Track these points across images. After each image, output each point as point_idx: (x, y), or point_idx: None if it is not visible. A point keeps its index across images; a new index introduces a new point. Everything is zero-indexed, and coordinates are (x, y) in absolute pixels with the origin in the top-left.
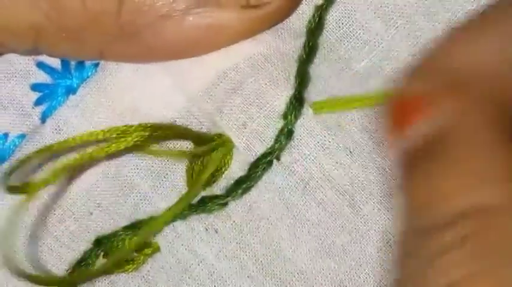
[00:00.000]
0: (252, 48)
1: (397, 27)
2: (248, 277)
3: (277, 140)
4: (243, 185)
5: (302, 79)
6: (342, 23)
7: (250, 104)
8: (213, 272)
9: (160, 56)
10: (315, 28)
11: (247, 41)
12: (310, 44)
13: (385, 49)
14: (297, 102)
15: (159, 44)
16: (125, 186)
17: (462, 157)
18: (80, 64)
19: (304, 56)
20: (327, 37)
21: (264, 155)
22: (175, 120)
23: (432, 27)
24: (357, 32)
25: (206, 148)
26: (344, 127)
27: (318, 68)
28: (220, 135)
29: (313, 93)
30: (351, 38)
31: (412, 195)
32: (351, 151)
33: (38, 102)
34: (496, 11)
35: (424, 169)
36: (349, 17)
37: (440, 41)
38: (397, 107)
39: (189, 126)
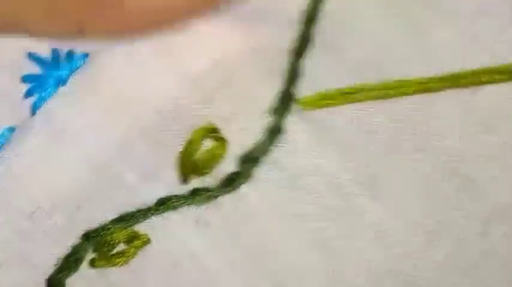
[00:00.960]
0: (245, 39)
1: (393, 16)
2: (238, 271)
3: (266, 136)
4: (234, 181)
5: (293, 74)
6: (338, 11)
7: (239, 97)
8: (204, 266)
9: (141, 23)
10: (311, 17)
11: (240, 31)
12: (304, 35)
13: (380, 39)
14: (286, 97)
15: (140, 11)
16: (113, 179)
17: None
18: (70, 55)
19: (297, 48)
20: (322, 26)
21: (253, 151)
22: (163, 111)
23: (428, 17)
24: (352, 21)
25: None
26: (334, 120)
27: (310, 61)
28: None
29: (304, 88)
30: (345, 27)
31: None
32: (342, 145)
33: (28, 94)
34: None
35: None
36: (344, 5)
37: None
38: None
39: (177, 118)
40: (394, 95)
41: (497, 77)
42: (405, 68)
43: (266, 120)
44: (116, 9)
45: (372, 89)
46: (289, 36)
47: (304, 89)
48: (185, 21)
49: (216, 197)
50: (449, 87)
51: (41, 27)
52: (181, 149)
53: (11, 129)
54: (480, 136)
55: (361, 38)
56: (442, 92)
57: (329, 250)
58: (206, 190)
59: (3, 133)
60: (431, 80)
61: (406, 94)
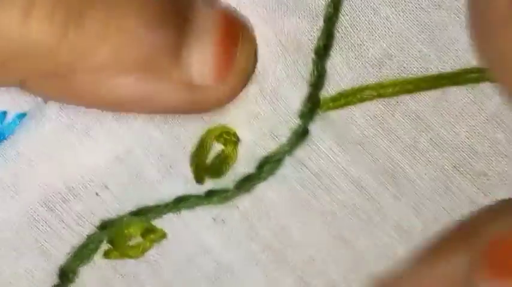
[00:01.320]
0: (271, 35)
1: (406, 12)
2: (256, 264)
3: (291, 139)
4: (251, 182)
5: (319, 77)
6: (356, 6)
7: (265, 97)
8: (220, 262)
9: (85, 104)
10: (333, 14)
11: (266, 26)
12: (328, 33)
13: (395, 35)
14: (313, 101)
15: (89, 94)
16: (134, 170)
17: None
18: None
19: (321, 48)
20: (341, 21)
21: (276, 154)
22: None
23: (443, 14)
24: (369, 16)
25: None
26: (353, 120)
27: (332, 59)
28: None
29: (327, 88)
30: (363, 23)
31: None
32: (361, 143)
33: None
34: None
35: None
36: (362, 1)
37: None
38: (499, 250)
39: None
40: (410, 91)
41: None
42: (422, 65)
43: (292, 123)
44: (65, 85)
45: (388, 86)
46: (313, 31)
47: (326, 89)
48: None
49: (231, 198)
50: (460, 82)
51: None
52: (192, 151)
53: (22, 115)
54: (490, 130)
55: (379, 34)
56: (455, 88)
57: (350, 246)
58: (222, 191)
59: (14, 119)
60: (441, 76)
61: (422, 90)
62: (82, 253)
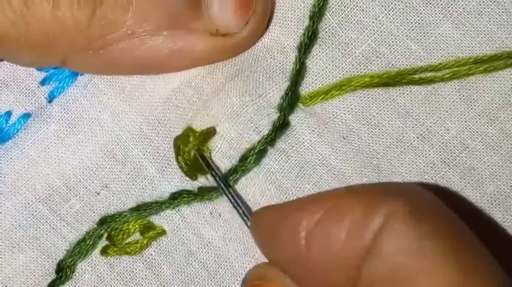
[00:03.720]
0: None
1: (396, 11)
2: (253, 258)
3: (272, 131)
4: (236, 173)
5: (298, 72)
6: (345, 6)
7: (246, 93)
8: (219, 254)
9: (124, 71)
10: (319, 12)
11: None
12: (311, 31)
13: (384, 33)
14: (292, 95)
15: (124, 60)
16: (133, 169)
17: None
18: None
19: (303, 46)
20: (329, 20)
21: (258, 145)
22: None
23: (431, 12)
24: (357, 16)
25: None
26: (338, 115)
27: (316, 57)
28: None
29: (309, 84)
30: (351, 22)
31: None
32: (345, 136)
33: (43, 82)
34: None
35: None
36: (349, 0)
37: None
38: None
39: (179, 107)
40: (395, 84)
41: (496, 63)
42: (409, 61)
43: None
44: (101, 56)
45: (373, 76)
46: (298, 32)
47: (311, 84)
48: (165, 72)
49: (221, 193)
50: (452, 77)
51: (23, 59)
52: (174, 154)
53: (26, 116)
54: (481, 126)
55: (366, 32)
56: (444, 83)
57: None
58: (212, 187)
59: (19, 119)
60: (436, 67)
61: (409, 83)
62: (80, 249)
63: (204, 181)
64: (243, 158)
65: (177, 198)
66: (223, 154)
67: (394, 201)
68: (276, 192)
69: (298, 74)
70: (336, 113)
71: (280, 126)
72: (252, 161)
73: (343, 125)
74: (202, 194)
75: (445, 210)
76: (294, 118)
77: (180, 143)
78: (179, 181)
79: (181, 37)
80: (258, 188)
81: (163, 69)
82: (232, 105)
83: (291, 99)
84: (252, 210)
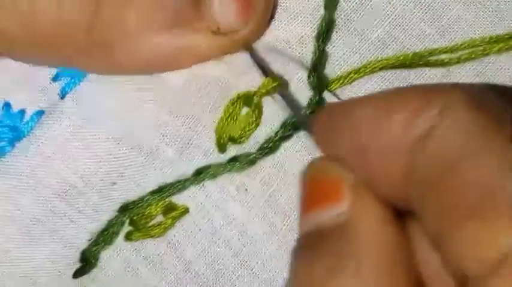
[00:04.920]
0: (273, 31)
1: None
2: (277, 236)
3: (308, 107)
4: (276, 141)
5: (320, 57)
6: None
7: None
8: (244, 232)
9: (128, 70)
10: (333, 0)
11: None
12: (328, 20)
13: (398, 17)
14: (318, 75)
15: (129, 60)
16: (149, 153)
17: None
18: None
19: (322, 35)
20: (343, 7)
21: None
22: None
23: None
24: (371, 1)
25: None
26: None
27: (333, 44)
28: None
29: (328, 72)
30: (365, 7)
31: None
32: None
33: (55, 79)
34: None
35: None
36: None
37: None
38: (311, 186)
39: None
40: (411, 66)
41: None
42: (423, 44)
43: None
44: (105, 56)
45: (389, 59)
46: (314, 20)
47: (330, 72)
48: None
49: (254, 162)
50: (467, 58)
51: (29, 58)
52: (217, 120)
53: (40, 113)
54: None
55: (380, 16)
56: (459, 65)
57: None
58: (245, 155)
59: (32, 117)
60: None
61: (425, 66)
62: (104, 237)
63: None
64: (283, 125)
65: (203, 171)
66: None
67: (452, 91)
68: None
69: (320, 59)
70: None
71: (314, 103)
72: (293, 129)
73: None
74: (233, 163)
75: (504, 102)
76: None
77: (232, 106)
78: (202, 159)
79: (184, 36)
80: (296, 158)
81: (167, 68)
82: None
83: (319, 80)
84: (286, 181)
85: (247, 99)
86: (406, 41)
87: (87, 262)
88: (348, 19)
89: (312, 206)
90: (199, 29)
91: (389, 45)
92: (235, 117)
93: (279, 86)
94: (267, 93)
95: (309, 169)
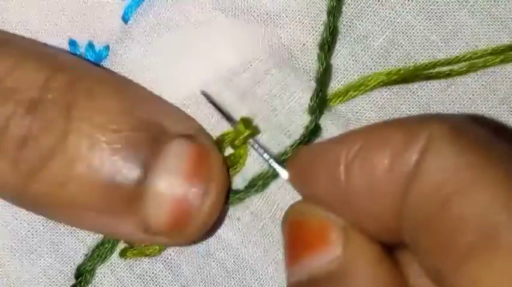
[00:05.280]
0: (274, 39)
1: (413, 0)
2: (273, 261)
3: (305, 135)
4: (264, 180)
5: (325, 72)
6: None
7: (275, 96)
8: (238, 256)
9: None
10: (337, 6)
11: (268, 32)
12: (332, 27)
13: (401, 24)
14: (321, 96)
15: (56, 217)
16: None
17: None
18: (90, 46)
19: (326, 43)
20: (345, 13)
21: (290, 150)
22: (185, 104)
23: (446, 0)
24: (374, 7)
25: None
26: (361, 113)
27: (338, 53)
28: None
29: (332, 82)
30: (368, 14)
31: None
32: None
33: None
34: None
35: None
36: None
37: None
38: (296, 232)
39: (197, 113)
40: (413, 80)
41: None
42: (427, 52)
43: (303, 120)
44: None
45: (394, 72)
46: (317, 28)
47: (332, 81)
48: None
49: (243, 198)
50: (469, 70)
51: None
52: None
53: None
54: (503, 114)
55: (383, 23)
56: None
57: None
58: (233, 193)
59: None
60: (453, 60)
61: (426, 79)
62: (99, 253)
63: None
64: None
65: None
66: (254, 159)
67: (434, 124)
68: None
69: (325, 74)
70: (359, 111)
71: (313, 131)
72: (283, 166)
73: (366, 123)
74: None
75: (487, 133)
76: (323, 120)
77: (225, 141)
78: None
79: (111, 222)
80: (289, 194)
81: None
82: (261, 109)
83: (321, 102)
84: (278, 215)
85: (232, 141)
86: (410, 48)
87: (82, 278)
88: (350, 26)
89: (299, 254)
90: (129, 222)
91: (392, 53)
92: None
93: (251, 134)
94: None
95: (290, 213)
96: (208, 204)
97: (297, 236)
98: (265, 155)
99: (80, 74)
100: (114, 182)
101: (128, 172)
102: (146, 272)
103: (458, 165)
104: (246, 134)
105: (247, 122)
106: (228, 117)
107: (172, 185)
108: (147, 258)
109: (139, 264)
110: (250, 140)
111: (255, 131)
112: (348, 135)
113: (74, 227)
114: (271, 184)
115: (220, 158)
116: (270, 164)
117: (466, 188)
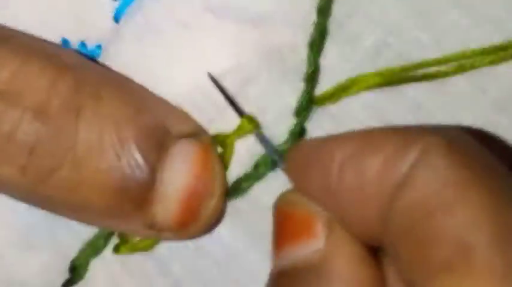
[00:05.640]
0: (265, 40)
1: (403, 0)
2: (262, 253)
3: (289, 139)
4: (248, 181)
5: (313, 72)
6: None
7: (265, 97)
8: (229, 247)
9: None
10: (327, 5)
11: (258, 32)
12: (321, 27)
13: (391, 24)
14: (308, 97)
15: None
16: None
17: None
18: (83, 45)
19: (316, 44)
20: (336, 13)
21: (274, 153)
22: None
23: (437, 1)
24: (364, 6)
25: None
26: (351, 113)
27: (328, 53)
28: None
29: (320, 82)
30: (358, 13)
31: None
32: None
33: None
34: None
35: None
36: None
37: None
38: (284, 220)
39: (189, 114)
40: (399, 82)
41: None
42: (418, 52)
43: (289, 122)
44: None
45: (383, 73)
46: (307, 27)
47: (322, 82)
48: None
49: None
50: (456, 71)
51: None
52: None
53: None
54: (493, 117)
55: (374, 23)
56: (454, 76)
57: None
58: None
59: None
60: (441, 60)
61: (412, 80)
62: (92, 248)
63: None
64: (257, 165)
65: None
66: (239, 161)
67: (430, 136)
68: None
69: (314, 75)
70: (350, 111)
71: (298, 134)
72: (266, 169)
73: (357, 124)
74: None
75: (481, 149)
76: (310, 122)
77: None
78: None
79: (119, 223)
80: (273, 196)
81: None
82: (251, 110)
83: (308, 103)
84: (263, 216)
85: (221, 140)
86: (400, 48)
87: (76, 272)
88: (339, 25)
89: (285, 242)
90: (136, 222)
91: (382, 53)
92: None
93: (255, 127)
94: (243, 134)
95: (280, 201)
96: (213, 202)
97: (284, 225)
98: (269, 147)
99: (85, 74)
100: (123, 186)
101: (137, 175)
102: (138, 268)
103: (447, 180)
104: (251, 125)
105: (250, 118)
106: (233, 103)
107: (180, 184)
108: (139, 254)
109: (131, 260)
110: (256, 132)
111: (259, 126)
112: (345, 136)
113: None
114: (255, 188)
115: (218, 157)
116: (272, 156)
117: (450, 205)
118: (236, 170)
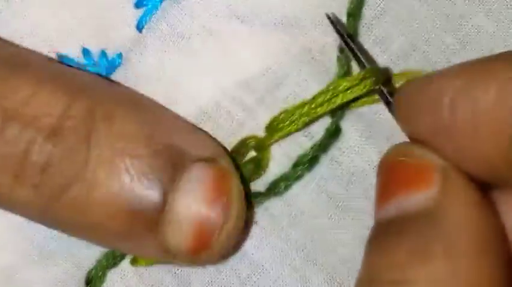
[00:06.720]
0: (293, 42)
1: (431, 2)
2: (289, 265)
3: (325, 137)
4: (286, 182)
5: (345, 73)
6: (379, 2)
7: (295, 99)
8: (252, 261)
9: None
10: (357, 8)
11: (287, 35)
12: (352, 29)
13: (419, 26)
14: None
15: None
16: None
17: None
18: (103, 54)
19: (344, 46)
20: (365, 14)
21: (311, 151)
22: (205, 112)
23: (464, 2)
24: (393, 8)
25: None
26: (382, 114)
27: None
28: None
29: None
30: (387, 15)
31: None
32: (389, 138)
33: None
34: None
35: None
36: None
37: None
38: (394, 172)
39: (218, 119)
40: None
41: None
42: (444, 55)
43: (324, 120)
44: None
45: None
46: (333, 33)
47: None
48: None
49: (262, 201)
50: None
51: None
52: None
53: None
54: None
55: (402, 25)
56: None
57: None
58: (254, 195)
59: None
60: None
61: None
62: (109, 259)
63: None
64: (296, 165)
65: None
66: (275, 161)
67: None
68: (327, 200)
69: (346, 75)
70: (380, 112)
71: (334, 132)
72: (304, 168)
73: (386, 125)
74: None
75: None
76: (344, 122)
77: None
78: None
79: (132, 245)
80: (310, 197)
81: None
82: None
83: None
84: (298, 219)
85: (257, 144)
86: (427, 51)
87: (92, 284)
88: (368, 27)
89: (394, 193)
90: (148, 245)
91: (410, 55)
92: (241, 160)
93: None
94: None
95: (392, 153)
96: (229, 227)
97: (395, 175)
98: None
99: (99, 97)
100: (134, 207)
101: (148, 197)
102: (156, 281)
103: None
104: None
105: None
106: (348, 45)
107: (192, 209)
108: (157, 267)
109: (149, 273)
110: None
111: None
112: (452, 70)
113: None
114: (293, 187)
115: (238, 180)
116: (380, 97)
117: None
118: (273, 171)
